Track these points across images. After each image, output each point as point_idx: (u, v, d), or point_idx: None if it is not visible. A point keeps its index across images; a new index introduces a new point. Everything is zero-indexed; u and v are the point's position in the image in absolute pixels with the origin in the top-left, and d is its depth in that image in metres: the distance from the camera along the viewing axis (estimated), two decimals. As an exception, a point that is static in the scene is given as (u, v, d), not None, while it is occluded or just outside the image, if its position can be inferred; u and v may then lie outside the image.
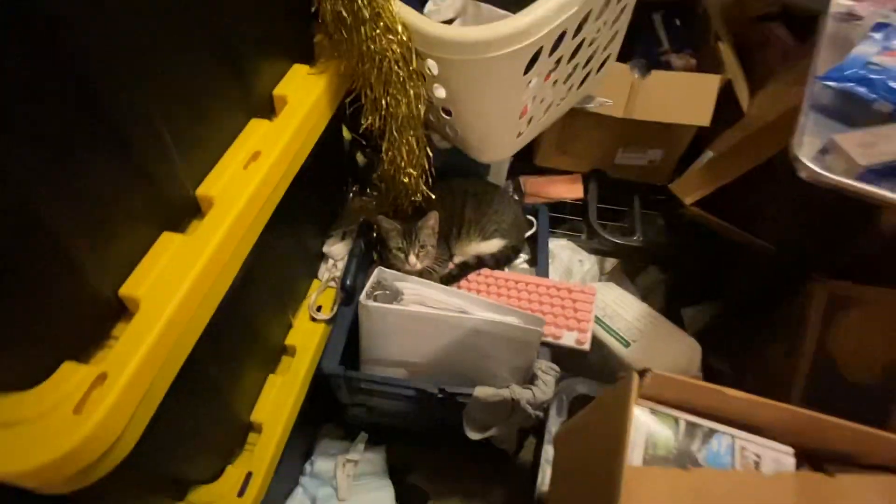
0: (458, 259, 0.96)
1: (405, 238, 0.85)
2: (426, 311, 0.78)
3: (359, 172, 1.04)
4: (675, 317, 1.16)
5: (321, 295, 0.94)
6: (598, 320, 0.94)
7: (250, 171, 0.60)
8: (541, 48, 0.64)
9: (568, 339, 0.83)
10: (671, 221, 1.24)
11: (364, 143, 1.00)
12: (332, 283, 0.95)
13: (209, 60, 0.56)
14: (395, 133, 0.74)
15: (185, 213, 0.58)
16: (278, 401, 0.82)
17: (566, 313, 0.85)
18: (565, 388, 0.85)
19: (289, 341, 0.88)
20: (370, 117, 0.74)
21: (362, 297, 0.79)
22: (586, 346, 0.83)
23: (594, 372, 0.89)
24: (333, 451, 0.94)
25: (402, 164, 0.78)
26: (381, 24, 0.63)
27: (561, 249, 1.13)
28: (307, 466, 0.93)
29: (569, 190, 1.28)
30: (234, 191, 0.58)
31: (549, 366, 0.78)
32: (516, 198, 1.05)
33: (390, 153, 0.77)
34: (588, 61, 0.80)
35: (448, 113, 0.77)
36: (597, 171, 1.28)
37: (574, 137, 1.20)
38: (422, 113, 0.74)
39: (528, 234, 1.04)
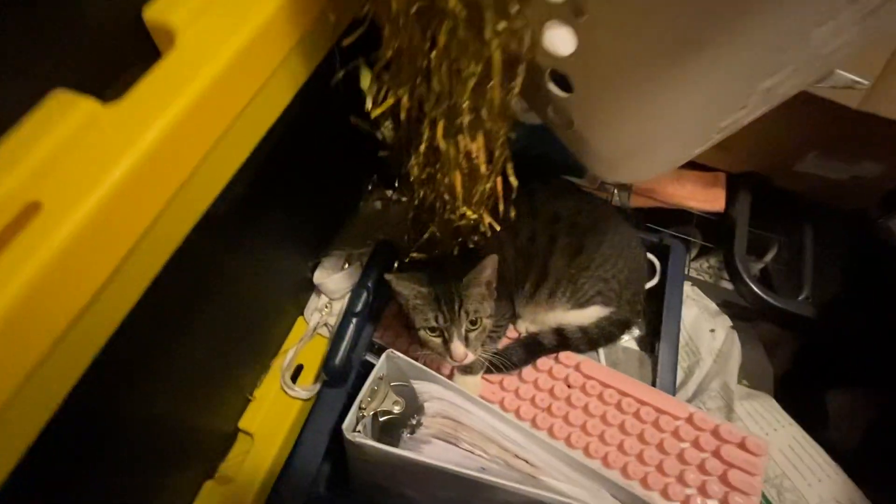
0: (526, 327, 0.59)
1: (441, 308, 0.47)
2: (450, 468, 0.42)
3: (383, 159, 0.63)
4: (810, 400, 0.76)
5: (305, 347, 0.60)
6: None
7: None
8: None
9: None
10: (856, 273, 0.79)
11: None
12: (325, 331, 0.61)
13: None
14: (440, 139, 0.34)
15: None
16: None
17: (703, 481, 0.48)
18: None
19: (245, 424, 0.57)
20: (391, 91, 0.34)
21: (348, 420, 0.44)
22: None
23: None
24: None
25: (453, 195, 0.38)
26: None
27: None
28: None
29: (704, 197, 0.84)
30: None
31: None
32: (636, 232, 0.62)
33: (427, 172, 0.38)
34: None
35: (564, 85, 0.36)
36: (754, 176, 0.82)
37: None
38: (514, 96, 0.33)
39: (650, 285, 0.64)
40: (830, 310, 0.75)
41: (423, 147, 0.36)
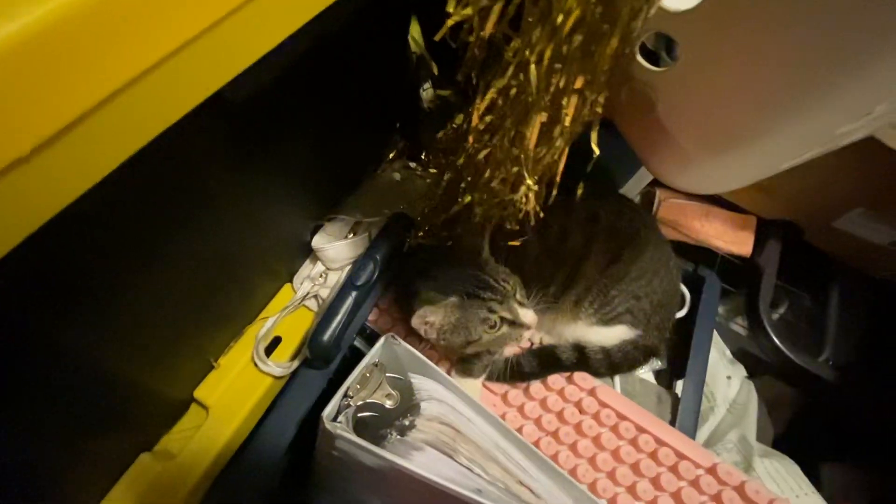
0: (541, 338, 0.52)
1: (485, 297, 0.42)
2: (443, 483, 0.35)
3: (417, 119, 0.56)
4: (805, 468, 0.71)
5: (287, 318, 0.52)
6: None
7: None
8: None
9: None
10: (879, 343, 0.75)
11: (440, 75, 0.52)
12: (311, 304, 0.53)
13: None
14: (533, 67, 0.27)
15: None
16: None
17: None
18: None
19: (202, 393, 0.48)
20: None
21: (330, 407, 0.37)
22: None
23: None
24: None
25: (518, 153, 0.32)
26: None
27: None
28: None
29: (733, 238, 0.80)
30: None
31: None
32: (678, 259, 0.57)
33: (494, 118, 0.31)
34: None
35: (653, 60, 0.30)
36: (787, 225, 0.78)
37: (792, 168, 0.69)
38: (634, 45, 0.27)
39: (677, 316, 0.58)
40: (849, 375, 0.70)
41: (508, 73, 0.28)
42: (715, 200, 0.80)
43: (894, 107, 0.33)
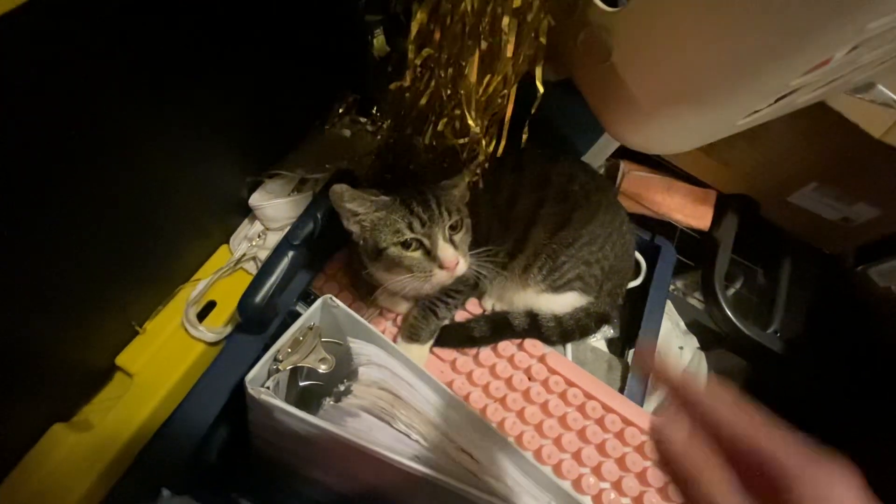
0: (492, 304, 0.50)
1: (415, 212, 0.38)
2: (376, 449, 0.33)
3: (367, 70, 0.53)
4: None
5: (221, 280, 0.49)
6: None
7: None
8: None
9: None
10: (826, 317, 0.77)
11: (394, 14, 0.49)
12: (251, 266, 0.50)
13: None
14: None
15: None
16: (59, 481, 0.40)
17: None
18: None
19: (124, 360, 0.45)
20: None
21: (255, 371, 0.34)
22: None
23: None
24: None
25: (460, 92, 0.29)
26: None
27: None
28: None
29: (692, 212, 0.80)
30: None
31: None
32: (631, 224, 0.55)
33: (445, 55, 0.28)
34: None
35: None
36: (744, 199, 0.79)
37: (747, 138, 0.68)
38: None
39: (632, 285, 0.57)
40: (797, 347, 0.72)
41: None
42: (676, 174, 0.80)
43: (850, 59, 0.32)
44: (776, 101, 0.34)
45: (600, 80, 0.36)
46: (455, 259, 0.38)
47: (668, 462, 0.21)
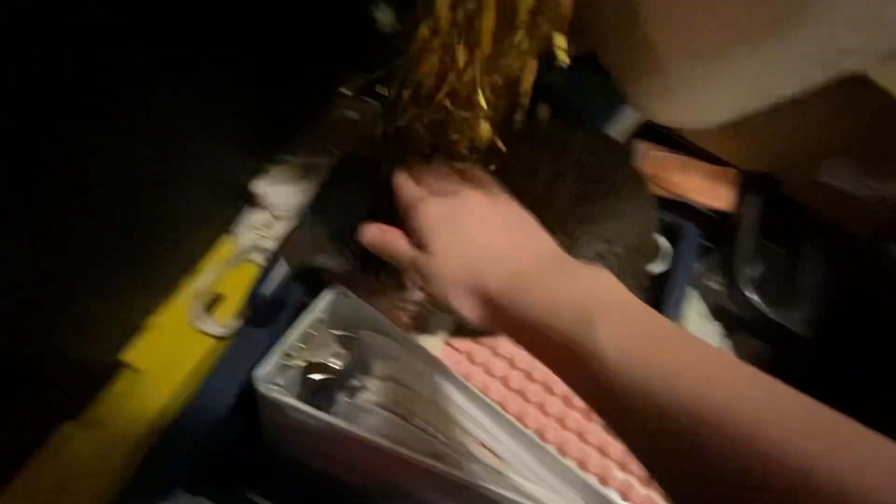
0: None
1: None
2: (394, 447, 0.31)
3: (374, 47, 0.50)
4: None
5: (229, 272, 0.47)
6: None
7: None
8: None
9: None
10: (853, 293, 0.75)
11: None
12: (257, 257, 0.48)
13: None
14: None
15: None
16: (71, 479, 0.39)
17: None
18: None
19: (132, 356, 0.43)
20: None
21: (264, 367, 0.32)
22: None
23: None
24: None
25: (475, 76, 0.26)
26: None
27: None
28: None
29: (712, 192, 0.77)
30: None
31: None
32: (652, 198, 0.53)
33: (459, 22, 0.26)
34: None
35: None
36: (766, 178, 0.76)
37: (771, 111, 0.65)
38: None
39: (658, 269, 0.55)
40: (822, 330, 0.69)
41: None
42: (694, 153, 0.77)
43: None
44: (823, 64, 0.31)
45: (628, 46, 0.34)
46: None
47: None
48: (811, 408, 0.19)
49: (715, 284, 0.74)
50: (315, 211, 0.40)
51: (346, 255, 0.37)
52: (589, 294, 0.24)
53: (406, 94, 0.34)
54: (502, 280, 0.26)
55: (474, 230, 0.29)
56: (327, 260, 0.37)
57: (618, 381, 0.20)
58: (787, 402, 0.19)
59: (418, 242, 0.30)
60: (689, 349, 0.22)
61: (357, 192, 0.39)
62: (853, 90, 0.55)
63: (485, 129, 0.29)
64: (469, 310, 0.27)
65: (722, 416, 0.18)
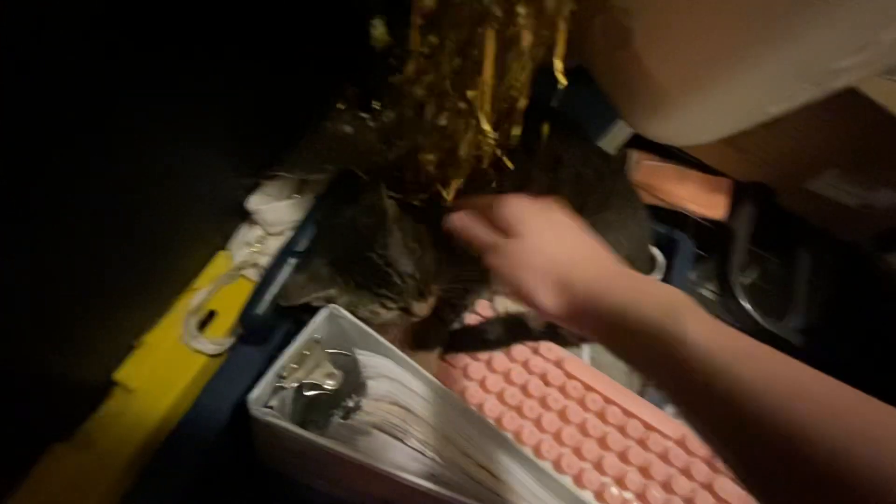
0: (506, 305, 0.48)
1: (380, 293, 0.39)
2: (391, 471, 0.31)
3: (367, 62, 0.50)
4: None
5: (222, 289, 0.47)
6: None
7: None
8: None
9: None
10: (846, 301, 0.75)
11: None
12: (251, 273, 0.48)
13: None
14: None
15: None
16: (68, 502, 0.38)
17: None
18: None
19: (124, 376, 0.43)
20: None
21: (257, 390, 0.32)
22: None
23: None
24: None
25: (475, 93, 0.26)
26: None
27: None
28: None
29: (706, 201, 0.77)
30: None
31: None
32: (645, 209, 0.53)
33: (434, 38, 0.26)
34: None
35: None
36: (760, 187, 0.76)
37: (764, 124, 0.66)
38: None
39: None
40: (815, 338, 0.70)
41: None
42: (688, 163, 0.77)
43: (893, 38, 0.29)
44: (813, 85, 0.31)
45: (620, 67, 0.34)
46: (428, 309, 0.40)
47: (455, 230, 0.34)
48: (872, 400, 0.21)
49: (708, 293, 0.75)
50: (309, 252, 0.42)
51: (340, 283, 0.38)
52: (670, 293, 0.26)
53: (408, 112, 0.34)
54: (587, 279, 0.28)
55: (563, 231, 0.31)
56: (321, 294, 0.38)
57: (709, 367, 0.22)
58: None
59: (505, 228, 0.31)
60: (761, 345, 0.23)
61: (348, 225, 0.40)
62: (844, 102, 0.55)
63: (487, 148, 0.29)
64: (548, 299, 0.28)
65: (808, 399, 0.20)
